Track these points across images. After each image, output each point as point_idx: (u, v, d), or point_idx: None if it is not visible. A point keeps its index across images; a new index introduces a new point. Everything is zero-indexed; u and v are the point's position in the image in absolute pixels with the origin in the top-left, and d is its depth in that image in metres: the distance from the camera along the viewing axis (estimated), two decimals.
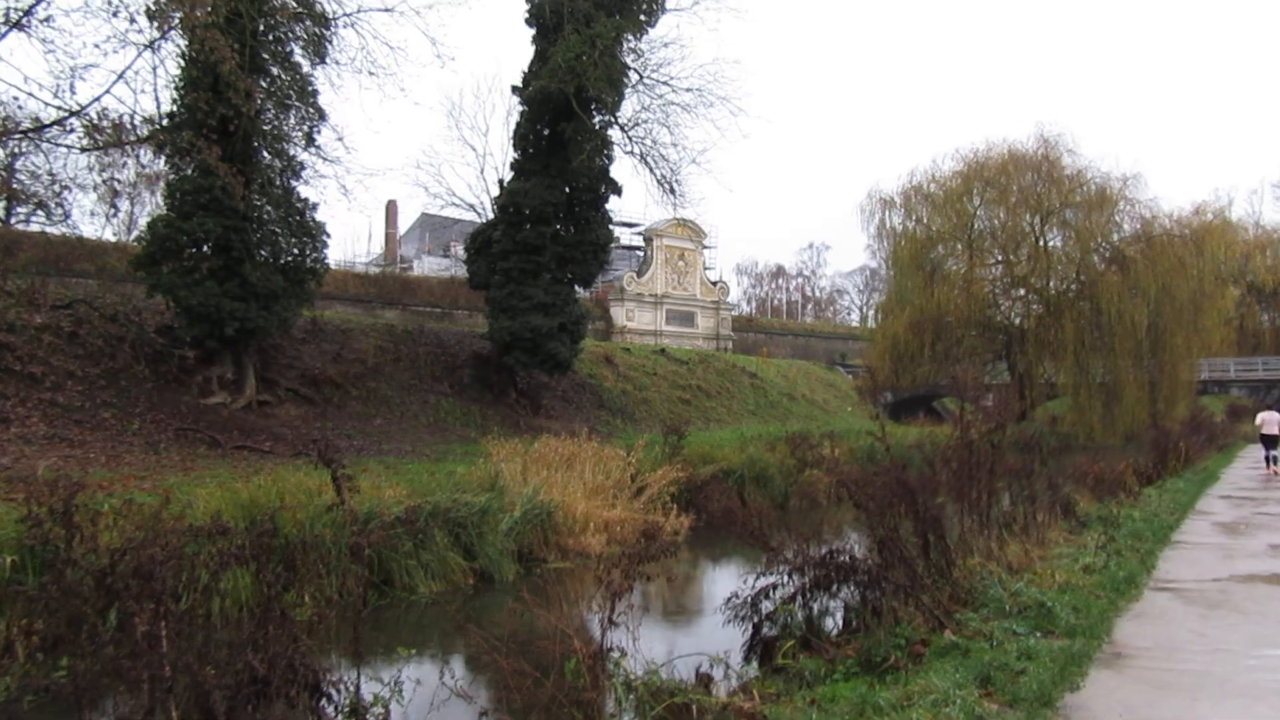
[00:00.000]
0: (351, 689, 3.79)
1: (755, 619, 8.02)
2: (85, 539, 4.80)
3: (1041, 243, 43.88)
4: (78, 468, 15.37)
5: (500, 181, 30.61)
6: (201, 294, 20.55)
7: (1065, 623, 7.87)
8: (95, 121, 15.67)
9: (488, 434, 22.29)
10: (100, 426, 19.05)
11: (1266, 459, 26.69)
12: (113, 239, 26.74)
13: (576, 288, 30.75)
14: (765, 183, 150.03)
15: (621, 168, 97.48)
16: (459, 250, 49.69)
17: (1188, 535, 13.93)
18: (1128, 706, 6.08)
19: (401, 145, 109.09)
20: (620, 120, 28.74)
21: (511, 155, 29.92)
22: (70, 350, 20.83)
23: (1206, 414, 41.19)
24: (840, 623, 8.37)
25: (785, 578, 8.10)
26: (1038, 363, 43.32)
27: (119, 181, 19.87)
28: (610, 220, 30.76)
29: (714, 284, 60.93)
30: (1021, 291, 45.66)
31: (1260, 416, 28.31)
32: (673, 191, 29.48)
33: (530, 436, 21.63)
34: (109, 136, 15.88)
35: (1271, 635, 7.90)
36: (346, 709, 3.65)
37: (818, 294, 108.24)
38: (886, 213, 46.50)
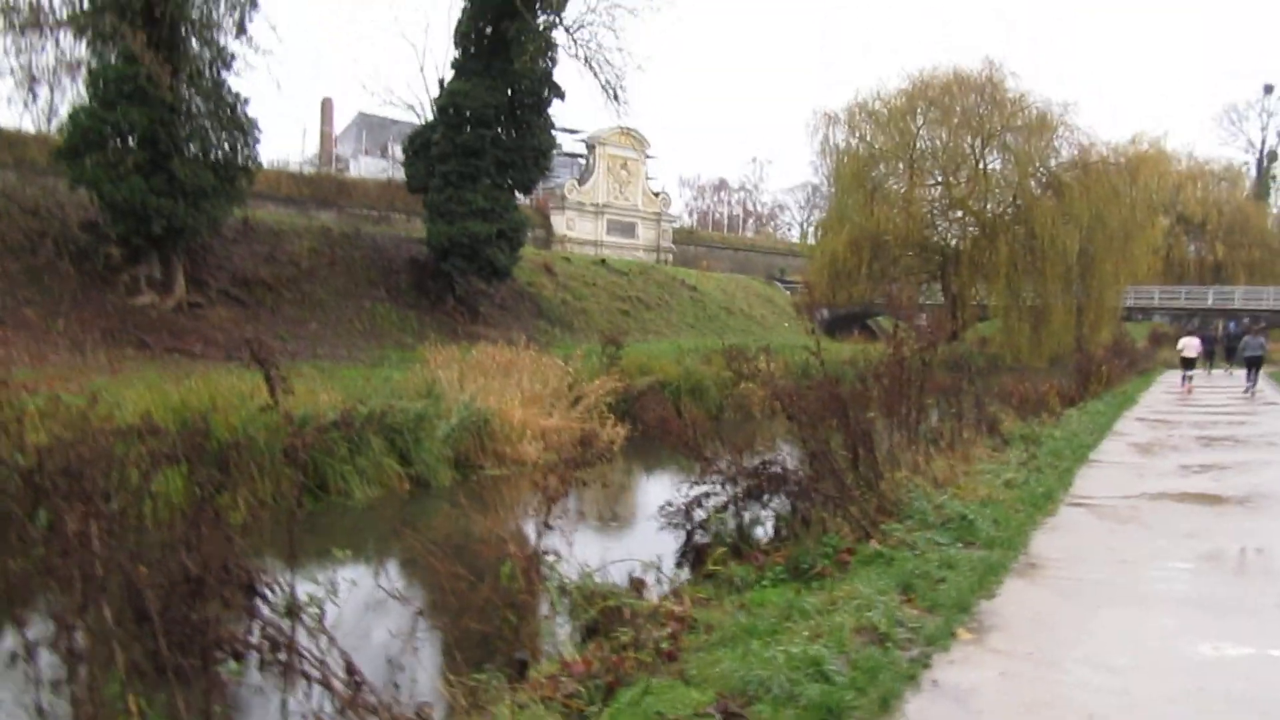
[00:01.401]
0: (286, 589, 3.81)
1: (688, 527, 8.18)
2: (11, 437, 4.69)
3: (981, 165, 44.27)
4: (0, 368, 14.92)
5: (440, 81, 29.84)
6: (127, 189, 19.81)
7: (985, 534, 8.18)
8: (11, 2, 14.82)
9: (425, 340, 22.19)
10: (23, 325, 18.47)
11: (1183, 377, 28.81)
12: (32, 129, 25.51)
13: (517, 194, 30.34)
14: (711, 95, 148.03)
15: (565, 72, 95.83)
16: (397, 152, 48.37)
17: (1104, 455, 14.49)
18: (1037, 613, 6.39)
19: (339, 39, 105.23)
20: (565, 22, 28.06)
21: (453, 54, 29.11)
22: None
23: (1129, 339, 42.53)
24: (770, 531, 8.57)
25: (718, 487, 8.25)
26: (971, 284, 44.11)
27: (38, 67, 18.85)
28: (553, 126, 30.27)
29: (656, 195, 60.47)
30: (959, 213, 46.18)
31: (1181, 341, 30.62)
32: (617, 98, 29.03)
33: (468, 344, 21.57)
34: (26, 18, 15.07)
35: (1172, 549, 8.33)
36: (282, 608, 3.67)
37: (759, 209, 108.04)
38: (831, 129, 46.39)
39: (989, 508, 9.14)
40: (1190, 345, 30.12)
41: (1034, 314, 41.75)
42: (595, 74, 28.45)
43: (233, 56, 22.03)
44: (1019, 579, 7.24)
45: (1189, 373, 29.39)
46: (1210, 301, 55.98)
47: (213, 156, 21.71)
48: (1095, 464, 13.46)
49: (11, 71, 18.55)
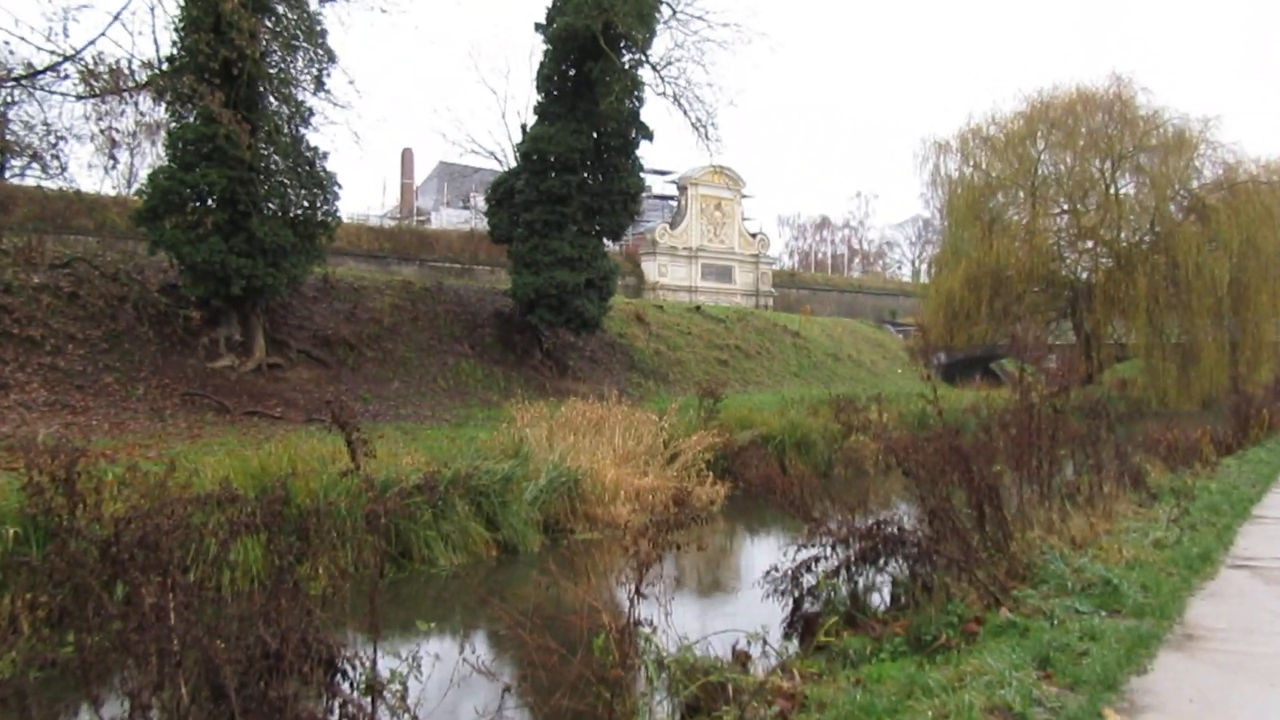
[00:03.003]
0: (368, 664, 3.87)
1: (796, 594, 8.08)
2: (89, 508, 4.91)
3: (1112, 190, 43.18)
4: (80, 435, 15.69)
5: (523, 126, 30.58)
6: (206, 250, 20.75)
7: (1133, 601, 7.83)
8: (91, 67, 15.75)
9: (511, 397, 22.57)
10: (103, 392, 19.39)
11: None
12: (112, 193, 27.08)
13: (605, 241, 30.82)
14: (809, 129, 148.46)
15: (654, 111, 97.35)
16: (479, 201, 49.74)
17: (1271, 509, 13.78)
18: (1199, 691, 6.06)
19: (418, 89, 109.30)
20: (652, 59, 28.50)
21: (535, 98, 29.88)
22: (70, 312, 21.16)
23: None
24: (887, 599, 8.43)
25: (828, 550, 8.14)
26: (1106, 321, 42.79)
27: (117, 131, 19.94)
28: (641, 168, 30.71)
29: (753, 236, 60.61)
30: (1089, 244, 45.04)
31: None
32: (708, 136, 29.23)
33: (556, 400, 21.87)
34: (106, 82, 15.96)
35: None
36: (362, 685, 3.73)
37: (866, 247, 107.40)
38: (941, 158, 45.92)
39: (1136, 571, 8.76)
40: None
41: (1180, 352, 40.26)
42: (685, 112, 28.82)
43: (311, 112, 23.02)
44: (1175, 652, 6.89)
45: None
46: None
47: (292, 214, 22.60)
48: (1260, 520, 12.80)
49: (92, 137, 19.71)
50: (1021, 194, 44.62)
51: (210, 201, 21.30)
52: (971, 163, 45.30)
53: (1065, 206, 45.03)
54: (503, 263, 32.72)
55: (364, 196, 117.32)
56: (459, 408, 24.76)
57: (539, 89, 29.39)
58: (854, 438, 23.23)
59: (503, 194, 30.00)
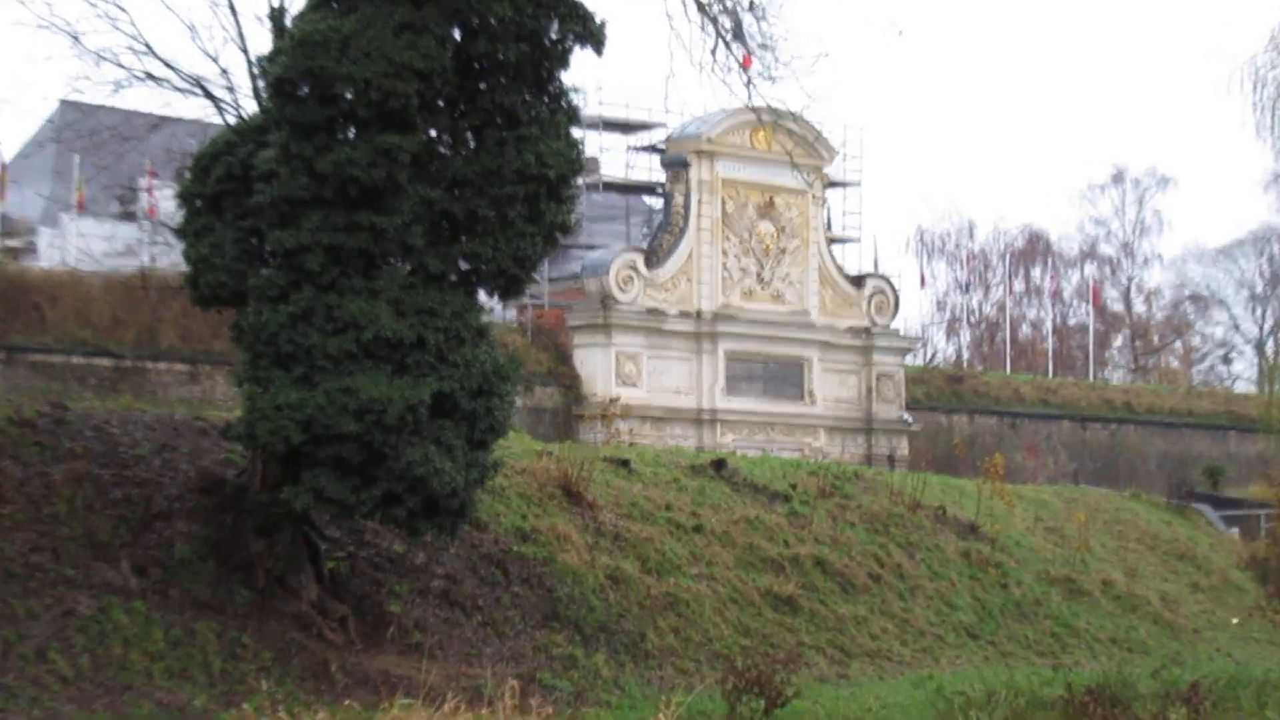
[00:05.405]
0: None
1: None
2: None
3: None
4: None
5: (275, 14, 30.55)
6: None
7: None
8: None
9: (239, 697, 22.36)
10: None
11: None
12: None
13: (482, 294, 30.70)
14: (986, 40, 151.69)
15: None
16: (161, 200, 49.29)
17: None
18: None
19: None
20: None
21: None
22: None
23: None
24: None
25: None
26: None
27: None
28: (576, 118, 31.06)
29: (855, 282, 60.69)
30: None
31: None
32: (740, 37, 29.37)
33: (359, 703, 21.67)
34: None
35: None
36: None
37: (1141, 308, 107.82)
38: None
39: None
40: None
41: None
42: None
43: None
44: None
45: None
46: None
47: None
48: None
49: None
50: None
51: None
52: None
53: None
54: (221, 354, 31.99)
55: None
56: None
57: None
58: None
59: (223, 181, 29.46)
